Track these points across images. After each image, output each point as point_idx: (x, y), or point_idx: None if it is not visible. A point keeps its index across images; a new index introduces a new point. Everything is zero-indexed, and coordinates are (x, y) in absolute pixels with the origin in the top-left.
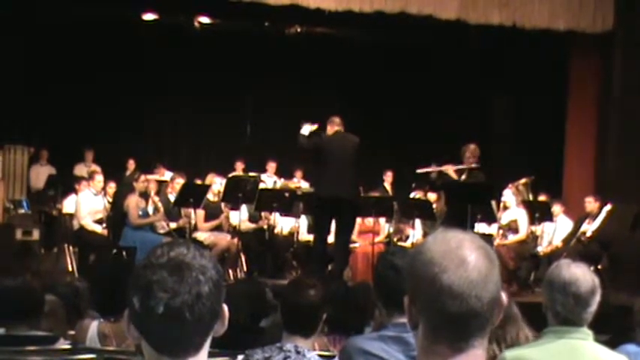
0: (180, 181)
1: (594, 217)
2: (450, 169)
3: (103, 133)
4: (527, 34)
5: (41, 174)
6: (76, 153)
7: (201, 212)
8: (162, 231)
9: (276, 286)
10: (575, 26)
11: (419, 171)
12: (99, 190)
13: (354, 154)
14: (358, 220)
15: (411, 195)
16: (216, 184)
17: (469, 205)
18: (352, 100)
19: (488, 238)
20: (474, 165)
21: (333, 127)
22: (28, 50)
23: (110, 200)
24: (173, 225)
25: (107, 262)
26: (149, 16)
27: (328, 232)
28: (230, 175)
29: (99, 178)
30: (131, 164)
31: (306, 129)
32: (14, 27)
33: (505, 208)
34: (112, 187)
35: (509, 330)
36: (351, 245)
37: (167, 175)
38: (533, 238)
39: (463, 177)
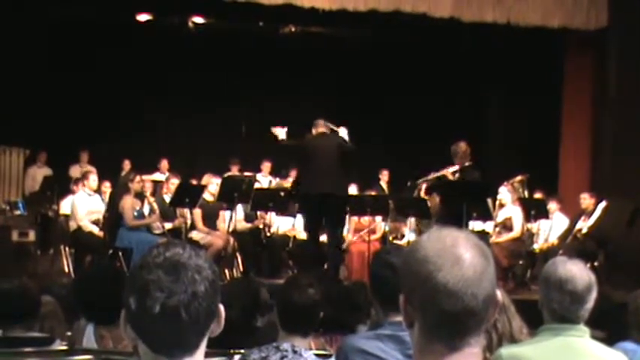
0: (175, 182)
1: (590, 214)
2: (447, 173)
3: (98, 134)
4: (522, 33)
5: (38, 176)
6: (71, 154)
7: (198, 212)
8: (157, 231)
9: (273, 285)
10: (569, 23)
11: (418, 181)
12: (94, 189)
13: (338, 154)
14: (354, 218)
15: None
16: (213, 184)
17: (464, 204)
18: (347, 99)
19: (484, 235)
20: (467, 163)
21: (318, 129)
22: (21, 51)
23: (104, 200)
24: (169, 225)
25: (98, 274)
26: (143, 17)
27: (320, 230)
28: (225, 175)
29: (93, 178)
30: (127, 165)
31: (282, 133)
32: (9, 27)
33: (501, 205)
34: (107, 186)
35: (500, 318)
36: (346, 244)
37: (161, 175)
38: (529, 236)
39: (457, 175)
